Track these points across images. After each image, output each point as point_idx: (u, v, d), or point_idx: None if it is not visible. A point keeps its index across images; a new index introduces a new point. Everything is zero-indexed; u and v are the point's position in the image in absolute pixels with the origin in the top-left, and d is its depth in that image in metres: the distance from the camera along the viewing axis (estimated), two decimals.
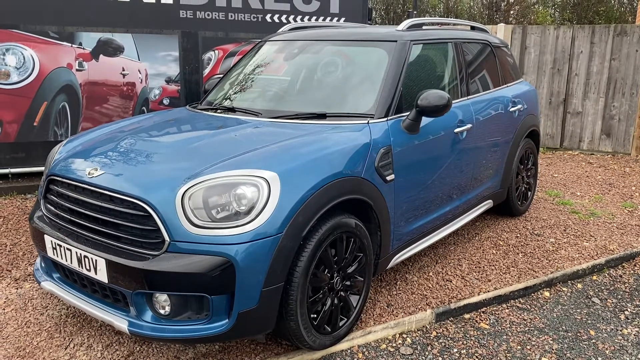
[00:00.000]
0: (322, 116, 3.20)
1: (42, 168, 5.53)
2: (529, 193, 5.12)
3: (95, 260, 2.55)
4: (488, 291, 3.54)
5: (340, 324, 2.91)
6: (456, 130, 3.71)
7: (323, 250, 2.67)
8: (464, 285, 3.62)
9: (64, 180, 2.82)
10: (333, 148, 2.80)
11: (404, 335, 3.08)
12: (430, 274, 3.79)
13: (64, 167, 2.92)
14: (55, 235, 2.77)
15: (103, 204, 2.59)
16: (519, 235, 4.55)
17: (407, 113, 3.29)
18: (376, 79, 3.35)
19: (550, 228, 4.73)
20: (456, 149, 3.74)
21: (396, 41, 3.50)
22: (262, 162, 2.58)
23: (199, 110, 3.68)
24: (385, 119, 3.18)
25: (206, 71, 6.26)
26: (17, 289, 3.50)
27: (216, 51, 6.26)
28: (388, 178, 3.06)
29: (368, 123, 3.10)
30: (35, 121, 5.59)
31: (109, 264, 2.50)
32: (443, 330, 3.16)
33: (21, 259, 3.94)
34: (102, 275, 2.55)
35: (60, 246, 2.73)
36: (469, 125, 3.83)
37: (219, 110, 3.60)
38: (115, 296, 2.62)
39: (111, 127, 3.45)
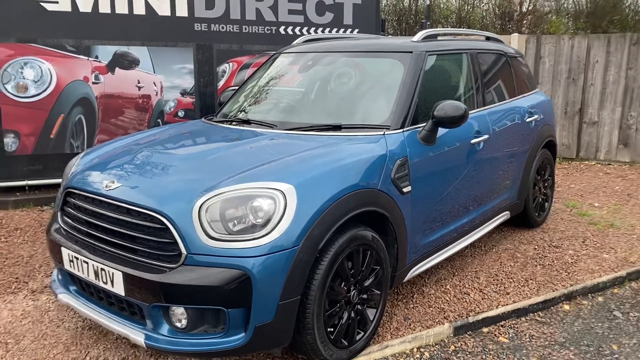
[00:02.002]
0: (337, 128, 3.19)
1: (59, 180, 5.57)
2: (546, 204, 5.06)
3: (112, 273, 2.55)
4: (507, 304, 3.48)
5: (357, 337, 2.87)
6: (473, 141, 3.68)
7: (339, 263, 2.65)
8: (482, 299, 3.57)
9: (81, 192, 2.84)
10: (349, 159, 2.79)
11: (422, 350, 3.04)
12: (448, 286, 3.74)
13: (81, 180, 2.93)
14: (72, 248, 2.77)
15: (120, 217, 2.59)
16: (537, 247, 4.49)
17: (424, 124, 3.26)
18: (392, 90, 3.34)
19: (569, 239, 4.66)
20: (473, 160, 3.71)
21: (412, 52, 3.48)
22: (278, 174, 2.57)
23: (215, 123, 3.69)
24: (402, 130, 3.16)
25: (220, 83, 6.29)
26: (33, 300, 3.51)
27: (230, 63, 6.29)
28: (405, 190, 3.04)
29: (384, 134, 3.08)
30: (52, 133, 5.64)
31: (126, 276, 2.50)
32: (462, 345, 3.11)
33: (38, 270, 3.96)
34: (118, 288, 2.54)
35: (77, 259, 2.73)
36: (485, 136, 3.80)
37: (234, 123, 3.60)
38: (131, 309, 2.62)
39: (127, 140, 3.47)
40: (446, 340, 3.15)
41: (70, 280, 2.96)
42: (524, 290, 3.70)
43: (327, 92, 3.62)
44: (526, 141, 4.47)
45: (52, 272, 3.80)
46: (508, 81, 4.50)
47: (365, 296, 2.90)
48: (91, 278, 2.67)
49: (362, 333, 2.91)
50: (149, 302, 2.46)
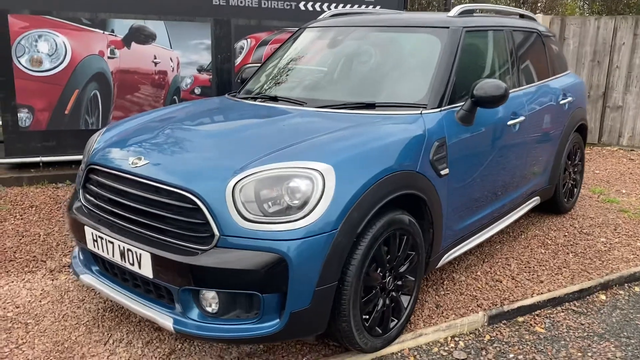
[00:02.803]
0: (371, 106, 3.04)
1: (73, 157, 5.47)
2: (575, 190, 4.91)
3: (140, 254, 2.43)
4: (541, 293, 3.36)
5: (391, 325, 2.76)
6: (509, 122, 3.53)
7: (376, 248, 2.52)
8: (515, 287, 3.45)
9: (105, 169, 2.71)
10: (387, 140, 2.64)
11: (456, 339, 2.92)
12: (478, 273, 3.62)
13: (105, 157, 2.81)
14: (96, 227, 2.66)
15: (147, 195, 2.47)
16: (567, 234, 4.35)
17: (461, 104, 3.11)
18: (428, 67, 3.18)
19: (599, 227, 4.52)
20: (509, 143, 3.55)
21: (448, 27, 3.31)
22: (315, 154, 2.43)
23: (240, 99, 3.54)
24: (439, 109, 3.01)
25: (238, 60, 6.12)
26: (52, 280, 3.41)
27: (249, 39, 6.12)
28: (442, 172, 2.89)
29: (421, 114, 2.93)
30: (66, 109, 5.51)
31: (155, 258, 2.38)
32: (497, 334, 2.99)
33: (55, 249, 3.86)
34: (146, 270, 2.43)
35: (101, 238, 2.61)
36: (521, 118, 3.64)
37: (259, 100, 3.46)
38: (159, 292, 2.50)
39: (149, 116, 3.33)
40: (481, 330, 3.03)
41: (93, 260, 2.85)
42: (557, 279, 3.56)
43: (358, 69, 3.46)
44: (559, 124, 4.30)
45: (70, 251, 3.70)
46: (542, 61, 4.32)
47: (400, 282, 2.77)
48: (117, 259, 2.56)
49: (396, 321, 2.79)
50: (179, 285, 2.34)
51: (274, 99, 3.36)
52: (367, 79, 3.35)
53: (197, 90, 6.00)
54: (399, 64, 3.38)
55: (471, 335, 2.97)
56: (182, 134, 2.89)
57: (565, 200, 4.72)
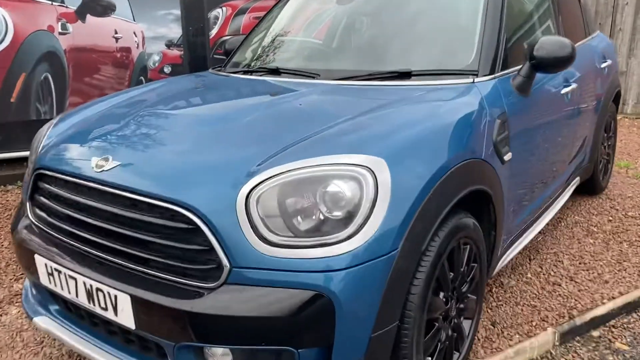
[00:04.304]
0: (405, 75, 2.35)
1: (24, 153, 4.62)
2: (609, 166, 4.34)
3: (115, 297, 1.71)
4: (613, 297, 2.76)
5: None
6: (563, 91, 2.89)
7: (440, 267, 1.86)
8: (579, 290, 2.84)
9: (59, 175, 1.96)
10: (446, 119, 1.96)
11: None
12: (529, 275, 3.00)
13: (57, 157, 2.06)
14: (51, 255, 1.93)
15: (121, 212, 1.74)
16: (611, 218, 3.77)
17: (515, 68, 2.46)
18: (471, 23, 2.50)
19: None
20: (562, 116, 2.93)
21: None
22: (356, 143, 1.74)
23: (230, 74, 2.80)
24: (492, 76, 2.34)
25: (213, 32, 5.33)
26: (0, 315, 2.65)
27: (224, 8, 5.32)
28: (505, 157, 2.24)
29: (474, 82, 2.26)
30: (12, 97, 4.64)
31: (137, 302, 1.67)
32: (573, 357, 2.39)
33: (4, 271, 3.09)
34: (125, 318, 1.72)
35: (58, 272, 1.88)
36: (573, 85, 3.01)
37: (254, 74, 2.73)
38: (144, 343, 1.80)
39: (116, 100, 2.56)
40: (553, 352, 2.42)
41: (51, 297, 2.11)
42: (623, 277, 2.98)
43: (382, 30, 2.74)
44: (601, 92, 3.69)
45: (23, 282, 2.94)
46: (579, 19, 3.69)
47: (462, 305, 2.12)
48: (82, 301, 1.84)
49: (458, 354, 2.15)
50: (175, 341, 1.64)
51: (275, 71, 2.64)
52: (396, 42, 2.63)
53: (167, 69, 5.20)
54: (433, 20, 2.66)
55: None
56: (162, 122, 2.15)
57: (601, 178, 4.14)
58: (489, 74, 2.33)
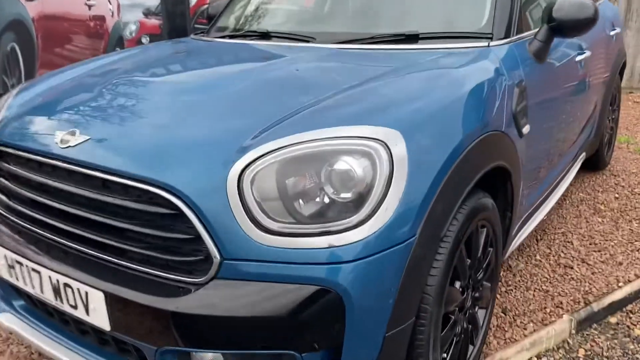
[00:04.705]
0: (412, 38, 2.11)
1: None
2: (612, 140, 4.16)
3: (86, 293, 1.47)
4: (629, 280, 2.59)
5: (469, 354, 1.91)
6: (578, 58, 2.67)
7: (458, 254, 1.64)
8: (592, 273, 2.66)
9: (20, 153, 1.69)
10: (466, 86, 1.73)
11: (544, 359, 2.12)
12: (538, 257, 2.81)
13: (18, 132, 1.79)
14: (12, 245, 1.67)
15: (92, 194, 1.49)
16: (617, 195, 3.60)
17: (532, 32, 2.23)
18: None
19: None
20: (576, 85, 2.72)
21: None
22: (367, 113, 1.50)
23: (215, 39, 2.53)
24: (507, 40, 2.10)
25: (193, 0, 5.00)
26: None
27: None
28: (524, 130, 2.02)
29: (489, 46, 2.02)
30: None
31: (111, 300, 1.43)
32: (592, 346, 2.21)
33: None
34: (98, 319, 1.48)
35: (20, 264, 1.63)
36: (587, 53, 2.79)
37: (240, 38, 2.46)
38: (121, 345, 1.56)
39: (86, 67, 2.28)
40: (570, 341, 2.24)
41: (14, 291, 1.86)
42: (637, 258, 2.81)
43: None
44: (609, 61, 3.49)
45: None
46: None
47: (477, 294, 1.92)
48: (48, 297, 1.59)
49: (472, 346, 1.95)
50: (156, 345, 1.41)
51: (266, 35, 2.37)
52: (400, 0, 2.38)
53: (145, 39, 4.87)
54: None
55: (561, 351, 2.18)
56: (139, 90, 1.88)
57: (605, 153, 3.96)
58: (504, 38, 2.10)
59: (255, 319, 1.32)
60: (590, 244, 2.94)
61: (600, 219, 3.25)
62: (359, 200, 1.34)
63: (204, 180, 1.36)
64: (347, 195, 1.35)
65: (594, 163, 3.86)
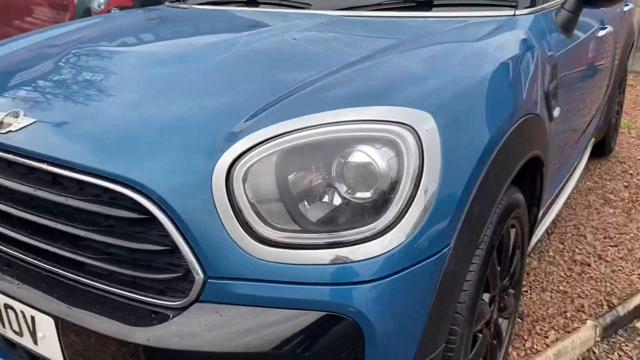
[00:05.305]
0: (426, 4, 1.81)
1: None
2: (618, 125, 3.93)
3: (32, 318, 1.16)
4: None
5: None
6: (599, 33, 2.40)
7: (491, 263, 1.37)
8: (612, 271, 2.43)
9: None
10: (498, 60, 1.43)
11: None
12: (551, 253, 2.57)
13: None
14: None
15: (39, 193, 1.17)
16: (627, 184, 3.37)
17: (558, 1, 1.95)
18: None
19: None
20: (599, 62, 2.45)
21: None
22: (387, 91, 1.20)
23: (193, 6, 2.19)
24: (533, 9, 1.82)
25: None
26: None
27: None
28: (554, 113, 1.74)
29: (515, 15, 1.73)
30: None
31: (64, 328, 1.12)
32: (619, 355, 1.98)
33: None
34: (48, 349, 1.17)
35: None
36: (609, 28, 2.53)
37: (222, 5, 2.13)
38: None
39: (44, 36, 1.93)
40: (596, 350, 1.99)
41: None
42: None
43: None
44: (621, 39, 3.23)
45: None
46: None
47: (502, 304, 1.65)
48: None
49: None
50: None
51: (252, 2, 2.05)
52: None
53: (115, 12, 4.47)
54: None
55: None
56: (102, 63, 1.55)
57: (611, 138, 3.73)
58: (529, 6, 1.81)
59: (248, 355, 1.02)
60: (605, 238, 2.70)
61: (612, 210, 3.01)
62: (381, 201, 1.05)
63: (181, 176, 1.06)
64: (365, 195, 1.06)
65: (600, 149, 3.62)
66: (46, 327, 1.14)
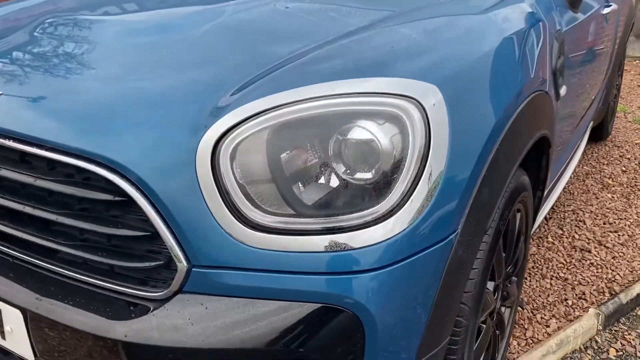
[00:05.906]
0: None
1: None
2: (615, 108, 3.86)
3: None
4: None
5: None
6: (604, 11, 2.31)
7: (497, 250, 1.28)
8: (612, 257, 2.36)
9: None
10: (506, 31, 1.33)
11: None
12: (550, 238, 2.49)
13: None
14: None
15: (6, 172, 1.06)
16: (624, 168, 3.30)
17: None
18: None
19: None
20: (602, 41, 2.36)
21: None
22: (388, 61, 1.10)
23: None
24: None
25: None
26: None
27: None
28: (561, 91, 1.65)
29: None
30: None
31: (33, 321, 1.02)
32: (623, 345, 1.91)
33: None
34: (17, 345, 1.07)
35: None
36: (614, 6, 2.43)
37: None
38: None
39: (17, 6, 1.80)
40: (598, 339, 1.93)
41: None
42: None
43: None
44: (622, 19, 3.14)
45: None
46: None
47: (505, 292, 1.57)
48: None
49: (497, 354, 1.61)
50: None
51: None
52: None
53: None
54: None
55: (589, 351, 1.87)
56: (78, 32, 1.43)
57: (608, 122, 3.66)
58: None
59: (237, 351, 0.93)
60: (604, 224, 2.63)
61: (610, 195, 2.94)
62: (383, 183, 0.96)
63: (162, 155, 0.96)
64: (366, 176, 0.96)
65: (598, 133, 3.55)
66: (14, 321, 1.04)
